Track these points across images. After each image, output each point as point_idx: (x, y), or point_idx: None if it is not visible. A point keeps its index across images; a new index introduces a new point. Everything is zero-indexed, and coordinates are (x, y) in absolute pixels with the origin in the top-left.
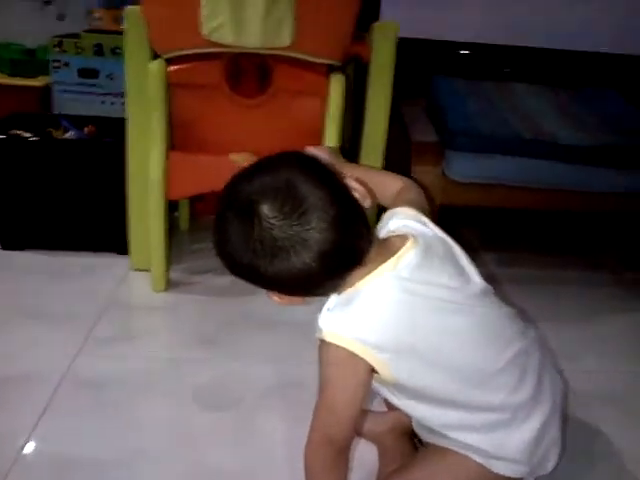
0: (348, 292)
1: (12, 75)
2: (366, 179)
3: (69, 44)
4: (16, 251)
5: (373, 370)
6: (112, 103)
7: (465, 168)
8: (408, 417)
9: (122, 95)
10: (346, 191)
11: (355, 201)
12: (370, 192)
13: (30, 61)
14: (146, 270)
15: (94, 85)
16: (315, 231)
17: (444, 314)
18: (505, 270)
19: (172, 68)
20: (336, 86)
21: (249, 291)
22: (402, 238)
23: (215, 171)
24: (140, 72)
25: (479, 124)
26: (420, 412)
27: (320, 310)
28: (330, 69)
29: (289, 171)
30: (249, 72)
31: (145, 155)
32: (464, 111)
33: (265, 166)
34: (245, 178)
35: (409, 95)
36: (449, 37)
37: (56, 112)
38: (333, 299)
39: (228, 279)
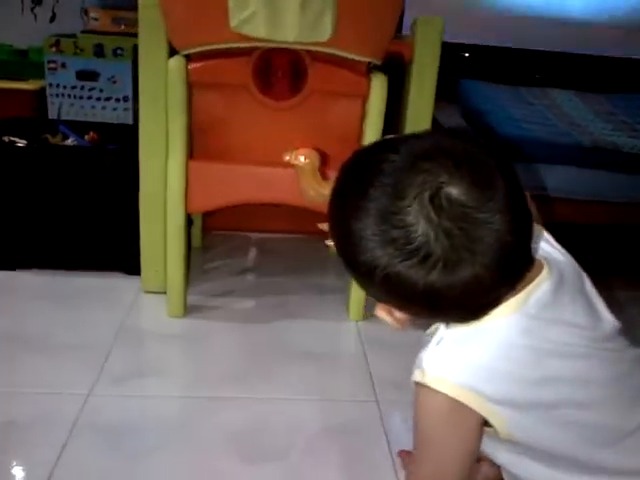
0: (467, 327)
1: (1, 78)
2: None
3: (67, 44)
4: (9, 271)
5: (485, 423)
6: (114, 109)
7: (524, 179)
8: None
9: (125, 99)
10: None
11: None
12: None
13: (22, 62)
14: (159, 292)
15: (94, 89)
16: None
17: (575, 360)
18: None
19: (193, 66)
20: (378, 87)
21: (279, 315)
22: (536, 265)
23: (241, 181)
24: (156, 71)
25: (531, 131)
26: (528, 471)
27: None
28: (369, 69)
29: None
30: (281, 71)
31: (160, 164)
32: (509, 117)
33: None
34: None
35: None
36: (472, 41)
37: (52, 118)
38: (443, 334)
39: (251, 302)
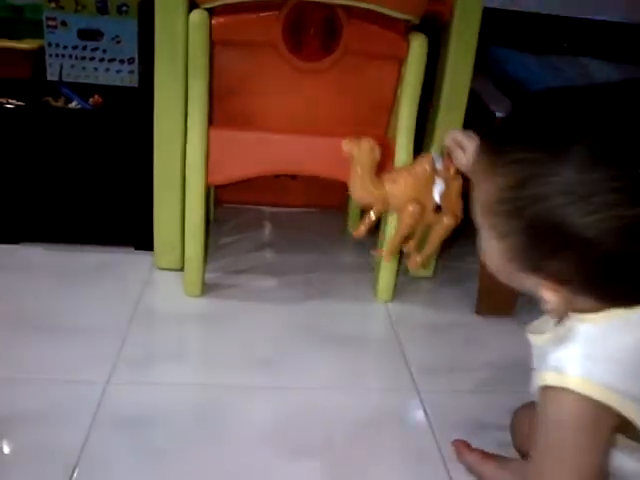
0: (604, 321)
1: None
2: None
3: (68, 0)
4: (12, 245)
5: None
6: (118, 71)
7: None
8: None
9: (130, 61)
10: None
11: None
12: None
13: (17, 20)
14: (174, 269)
15: (97, 49)
16: None
17: None
18: None
19: (217, 20)
20: (417, 48)
21: (302, 295)
22: None
23: (267, 151)
24: (174, 27)
25: None
26: None
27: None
28: (408, 29)
29: None
30: (314, 28)
31: (176, 132)
32: (546, 85)
33: None
34: None
35: None
36: (499, 5)
37: (51, 79)
38: (578, 330)
39: (272, 280)
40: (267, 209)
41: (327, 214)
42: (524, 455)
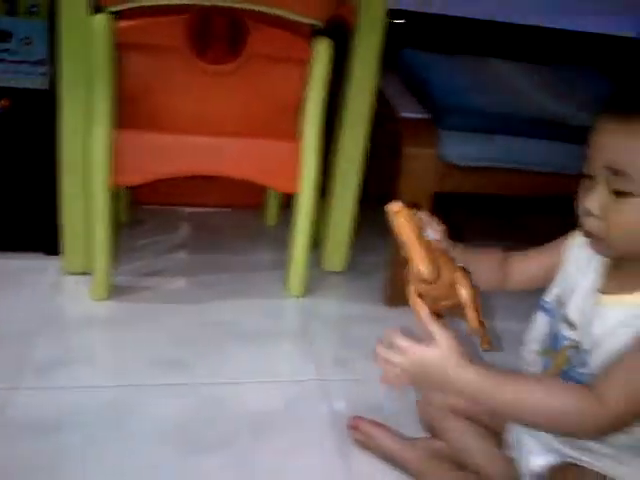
0: None
1: None
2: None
3: None
4: None
5: None
6: (28, 73)
7: (463, 150)
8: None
9: (41, 63)
10: None
11: None
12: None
13: None
14: (83, 273)
15: (6, 51)
16: None
17: None
18: None
19: (122, 24)
20: (322, 52)
21: (213, 294)
22: None
23: (173, 153)
24: (78, 30)
25: (475, 100)
26: None
27: None
28: (314, 33)
29: None
30: (219, 32)
31: (82, 134)
32: (452, 86)
33: None
34: None
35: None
36: (414, 8)
37: None
38: None
39: (183, 281)
40: (185, 209)
41: (245, 213)
42: (434, 436)
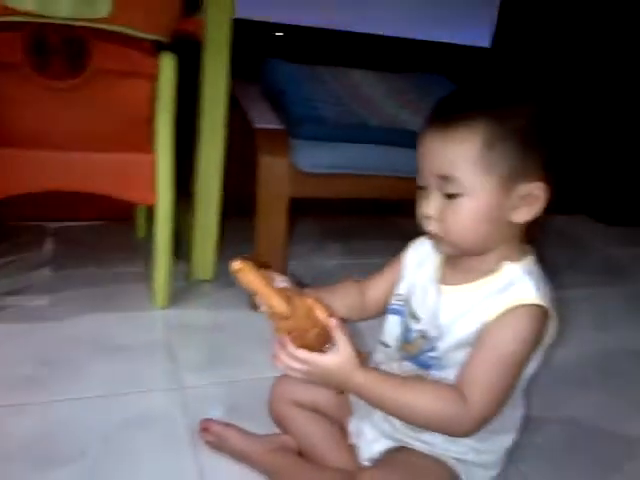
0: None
1: None
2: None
3: None
4: None
5: None
6: None
7: (314, 158)
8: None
9: None
10: None
11: None
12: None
13: None
14: None
15: None
16: None
17: None
18: (350, 260)
19: None
20: (167, 67)
21: (77, 310)
22: None
23: (17, 168)
24: None
25: (324, 111)
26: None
27: None
28: (158, 48)
29: None
30: (57, 48)
31: None
32: (305, 97)
33: None
34: None
35: (240, 78)
36: (276, 19)
37: None
38: (528, 269)
39: (46, 299)
40: (52, 225)
41: (116, 225)
42: (284, 430)
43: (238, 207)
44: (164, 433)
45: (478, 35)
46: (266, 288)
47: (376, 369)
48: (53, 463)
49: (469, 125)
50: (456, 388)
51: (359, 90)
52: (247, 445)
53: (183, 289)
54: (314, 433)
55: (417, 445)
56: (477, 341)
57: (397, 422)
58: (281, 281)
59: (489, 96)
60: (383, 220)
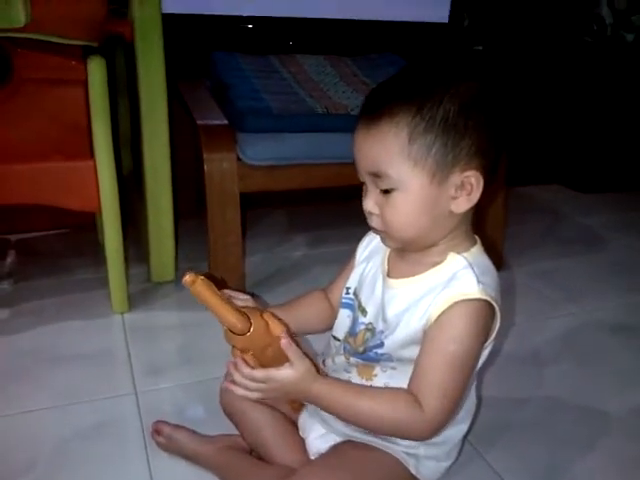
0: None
1: None
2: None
3: None
4: None
5: None
6: None
7: (260, 151)
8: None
9: None
10: None
11: None
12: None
13: None
14: None
15: None
16: None
17: None
18: (316, 250)
19: None
20: (95, 71)
21: (37, 321)
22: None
23: None
24: None
25: (269, 102)
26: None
27: None
28: (86, 52)
29: None
30: None
31: None
32: (251, 89)
33: None
34: None
35: (188, 76)
36: (225, 12)
37: None
38: (468, 262)
39: (5, 312)
40: (13, 237)
41: (77, 233)
42: (235, 426)
43: (198, 207)
44: (118, 439)
45: (437, 11)
46: (220, 302)
47: (335, 379)
48: (4, 478)
49: (390, 120)
50: (411, 394)
51: (310, 77)
52: (197, 445)
53: (144, 292)
54: (265, 427)
55: (366, 439)
56: (424, 342)
57: None
58: (244, 300)
59: (411, 87)
60: (348, 206)
